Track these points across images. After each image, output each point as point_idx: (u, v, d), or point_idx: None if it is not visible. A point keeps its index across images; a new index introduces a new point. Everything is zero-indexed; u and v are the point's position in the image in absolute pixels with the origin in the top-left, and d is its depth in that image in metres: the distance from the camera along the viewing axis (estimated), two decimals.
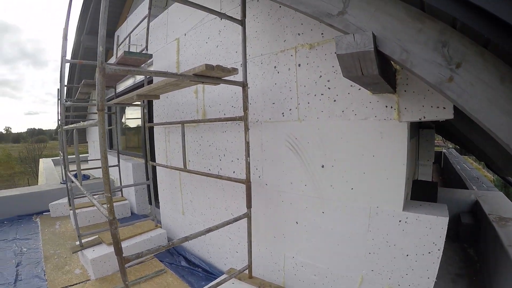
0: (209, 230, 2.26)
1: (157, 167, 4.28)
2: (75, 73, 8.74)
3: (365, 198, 2.06)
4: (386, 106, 1.90)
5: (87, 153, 11.84)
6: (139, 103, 4.31)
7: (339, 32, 1.43)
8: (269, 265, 2.85)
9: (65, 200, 6.02)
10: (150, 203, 5.24)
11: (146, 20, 4.59)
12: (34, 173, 38.72)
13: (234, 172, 3.05)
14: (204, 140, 3.43)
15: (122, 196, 6.14)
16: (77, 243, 3.83)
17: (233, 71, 2.06)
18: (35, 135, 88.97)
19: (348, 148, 2.12)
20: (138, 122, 6.94)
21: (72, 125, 2.91)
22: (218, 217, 3.34)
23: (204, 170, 3.40)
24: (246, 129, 2.45)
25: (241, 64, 2.65)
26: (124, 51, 3.46)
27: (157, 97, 2.96)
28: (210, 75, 2.05)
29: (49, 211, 5.94)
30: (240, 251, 3.16)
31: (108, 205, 1.55)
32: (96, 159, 8.22)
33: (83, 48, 7.89)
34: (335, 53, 1.31)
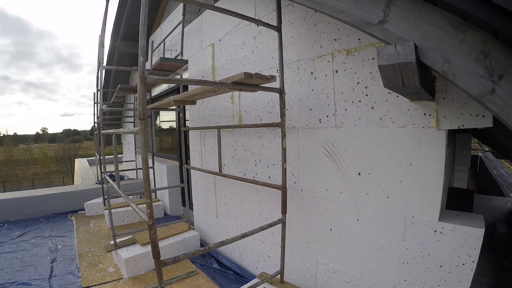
0: (244, 235, 2.32)
1: (191, 170, 4.34)
2: (110, 77, 9.10)
3: (401, 207, 2.05)
4: (425, 114, 1.89)
5: (122, 153, 12.18)
6: (174, 107, 4.41)
7: (377, 39, 1.47)
8: (301, 271, 2.86)
9: (100, 200, 6.32)
10: (184, 205, 5.47)
11: (180, 26, 4.71)
12: (69, 172, 40.45)
13: (269, 177, 3.10)
14: (239, 145, 3.50)
15: (156, 197, 6.36)
16: (112, 242, 3.99)
17: (271, 78, 2.10)
18: (70, 135, 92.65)
19: (386, 156, 2.11)
20: (172, 124, 7.15)
21: (110, 131, 3.00)
22: (252, 222, 3.41)
23: (239, 174, 3.48)
24: (283, 135, 2.48)
25: (277, 70, 2.71)
26: (160, 57, 3.61)
27: (194, 102, 3.07)
28: (249, 82, 2.10)
29: (84, 210, 6.24)
30: (272, 255, 3.20)
31: (148, 211, 1.62)
32: (131, 161, 8.47)
33: (118, 53, 8.23)
34: (378, 64, 1.33)
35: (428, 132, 1.89)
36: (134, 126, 8.47)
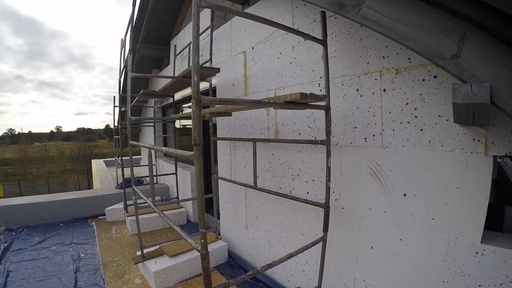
0: (290, 256, 2.35)
1: (218, 179, 4.44)
2: (127, 78, 9.13)
3: (445, 229, 2.10)
4: (473, 139, 1.93)
5: (140, 154, 12.30)
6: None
7: (449, 73, 1.50)
8: (337, 286, 2.90)
9: (121, 205, 6.41)
10: (208, 212, 5.56)
11: (205, 30, 4.80)
12: (84, 171, 41.15)
13: (308, 193, 3.12)
14: (275, 158, 3.53)
15: (178, 203, 6.45)
16: (138, 253, 4.02)
17: (324, 98, 2.16)
18: (84, 134, 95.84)
19: (432, 179, 2.14)
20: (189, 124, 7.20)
21: (157, 148, 2.67)
22: (286, 235, 3.45)
23: (274, 188, 3.51)
24: (329, 154, 2.49)
25: (319, 84, 2.78)
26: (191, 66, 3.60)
27: (229, 114, 3.10)
28: (302, 102, 2.13)
29: (104, 215, 6.38)
30: (307, 270, 3.23)
31: (203, 241, 1.67)
32: (147, 165, 8.54)
33: (138, 56, 8.31)
34: (452, 102, 1.36)
35: (476, 157, 1.92)
36: (155, 131, 8.62)
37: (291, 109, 2.24)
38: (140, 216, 5.45)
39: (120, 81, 6.49)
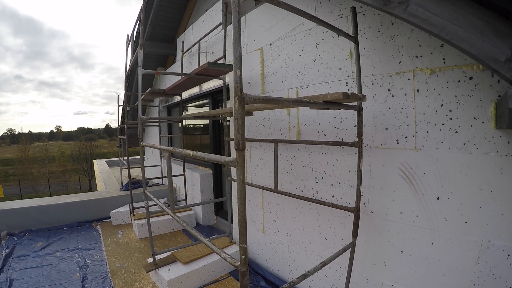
0: (323, 265, 2.28)
1: (232, 182, 4.34)
2: (133, 79, 9.06)
3: (478, 232, 2.08)
4: (508, 142, 1.92)
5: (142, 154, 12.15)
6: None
7: (501, 77, 1.44)
8: None
9: (127, 208, 6.35)
10: (224, 218, 5.54)
11: (217, 27, 4.72)
12: (85, 171, 41.23)
13: (333, 196, 3.04)
14: (297, 160, 3.43)
15: (186, 205, 6.34)
16: (149, 260, 3.91)
17: (363, 98, 2.10)
18: (84, 133, 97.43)
19: (467, 182, 2.10)
20: (198, 123, 7.19)
21: (180, 151, 2.50)
22: (308, 240, 3.37)
23: (296, 191, 3.43)
24: (360, 156, 2.42)
25: (346, 83, 2.71)
26: (208, 62, 3.54)
27: (250, 114, 2.99)
28: (343, 102, 2.06)
29: (110, 218, 6.29)
30: (330, 275, 3.16)
31: (243, 256, 1.59)
32: (156, 165, 8.45)
33: (143, 54, 8.12)
34: (509, 107, 1.30)
35: (510, 160, 1.92)
36: (160, 131, 8.59)
37: (327, 109, 2.14)
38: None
39: (126, 79, 6.37)
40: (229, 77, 4.33)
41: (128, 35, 6.09)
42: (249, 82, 4.06)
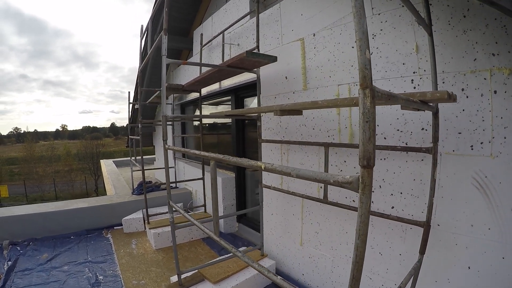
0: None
1: (265, 188, 3.94)
2: (148, 73, 8.62)
3: None
4: None
5: (153, 154, 11.79)
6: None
7: None
8: None
9: (140, 214, 5.96)
10: (252, 227, 5.26)
11: (246, 16, 4.47)
12: (91, 170, 41.43)
13: (393, 207, 2.70)
14: (349, 166, 3.08)
15: (205, 211, 6.00)
16: (173, 278, 3.52)
17: (455, 98, 1.78)
18: (90, 132, 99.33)
19: None
20: (215, 121, 6.94)
21: (222, 157, 2.16)
22: None
23: (346, 201, 3.09)
24: (435, 164, 2.16)
25: (412, 80, 2.44)
26: (246, 52, 3.13)
27: (300, 112, 2.60)
28: (427, 101, 1.77)
29: (121, 225, 5.88)
30: None
31: None
32: (170, 167, 7.99)
33: (156, 48, 7.68)
34: None
35: None
36: (174, 130, 8.30)
37: (417, 109, 1.79)
38: (164, 228, 5.00)
39: (139, 73, 5.89)
40: (263, 71, 3.95)
41: (142, 26, 5.76)
42: (286, 77, 3.73)
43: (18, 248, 4.87)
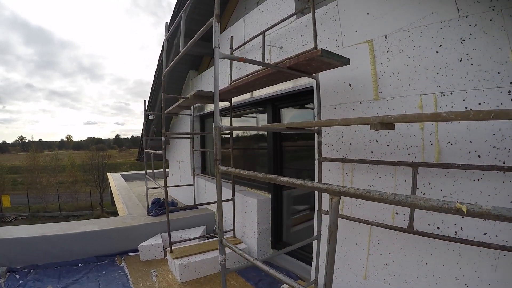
0: None
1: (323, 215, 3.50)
2: (160, 83, 8.01)
3: None
4: None
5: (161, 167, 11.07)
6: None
7: None
8: None
9: (158, 239, 5.35)
10: (275, 247, 4.89)
11: (290, 17, 4.07)
12: (97, 183, 41.16)
13: (485, 234, 2.44)
14: (434, 189, 2.74)
15: (235, 236, 5.36)
16: None
17: None
18: (95, 143, 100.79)
19: None
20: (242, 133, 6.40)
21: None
22: None
23: (428, 228, 2.75)
24: None
25: (509, 92, 2.24)
26: (322, 50, 2.62)
27: (392, 126, 2.16)
28: None
29: (136, 251, 5.22)
30: None
31: None
32: (186, 185, 7.38)
33: (174, 52, 7.26)
34: None
35: None
36: (193, 144, 7.68)
37: None
38: (191, 258, 4.37)
39: (163, 77, 5.22)
40: (322, 76, 3.52)
41: (166, 23, 5.27)
42: (350, 84, 3.34)
43: (17, 276, 4.23)
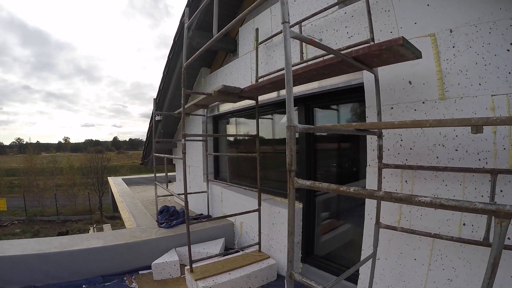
0: None
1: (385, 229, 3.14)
2: (171, 80, 7.65)
3: None
4: None
5: (173, 171, 10.61)
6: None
7: None
8: None
9: (174, 256, 4.83)
10: (305, 261, 4.54)
11: (333, 6, 3.69)
12: (96, 186, 40.81)
13: None
14: (506, 197, 2.55)
15: (260, 250, 4.90)
16: None
17: None
18: (92, 145, 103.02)
19: None
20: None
21: None
22: None
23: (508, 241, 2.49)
24: None
25: None
26: (403, 38, 2.31)
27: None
28: None
29: (148, 268, 4.72)
30: None
31: None
32: (197, 192, 7.10)
33: (189, 47, 6.56)
34: None
35: None
36: (207, 148, 7.17)
37: None
38: (216, 279, 3.98)
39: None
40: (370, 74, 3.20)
41: (186, 9, 4.83)
42: (410, 82, 3.07)
43: None
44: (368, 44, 2.84)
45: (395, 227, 3.06)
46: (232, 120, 7.22)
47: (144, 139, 10.19)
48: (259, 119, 4.76)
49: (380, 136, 3.00)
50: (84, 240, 4.83)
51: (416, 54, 2.58)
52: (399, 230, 3.01)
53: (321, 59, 2.91)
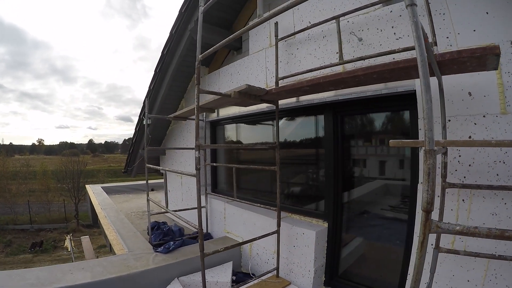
0: None
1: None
2: (164, 78, 7.21)
3: None
4: None
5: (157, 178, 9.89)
6: None
7: None
8: None
9: (178, 286, 4.23)
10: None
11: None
12: (71, 192, 39.66)
13: None
14: None
15: (278, 276, 4.46)
16: None
17: None
18: (67, 148, 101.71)
19: None
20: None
21: None
22: None
23: None
24: None
25: None
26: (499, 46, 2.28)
27: None
28: None
29: None
30: None
31: None
32: (193, 208, 6.13)
33: (188, 41, 6.31)
34: None
35: None
36: (205, 157, 6.56)
37: None
38: None
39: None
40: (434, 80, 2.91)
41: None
42: (470, 93, 2.97)
43: None
44: (456, 49, 2.61)
45: (457, 251, 2.89)
46: (230, 126, 6.84)
47: (120, 142, 9.55)
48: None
49: (445, 153, 2.82)
50: (67, 273, 3.97)
51: (495, 66, 2.48)
52: (462, 254, 2.84)
53: (371, 60, 2.98)
